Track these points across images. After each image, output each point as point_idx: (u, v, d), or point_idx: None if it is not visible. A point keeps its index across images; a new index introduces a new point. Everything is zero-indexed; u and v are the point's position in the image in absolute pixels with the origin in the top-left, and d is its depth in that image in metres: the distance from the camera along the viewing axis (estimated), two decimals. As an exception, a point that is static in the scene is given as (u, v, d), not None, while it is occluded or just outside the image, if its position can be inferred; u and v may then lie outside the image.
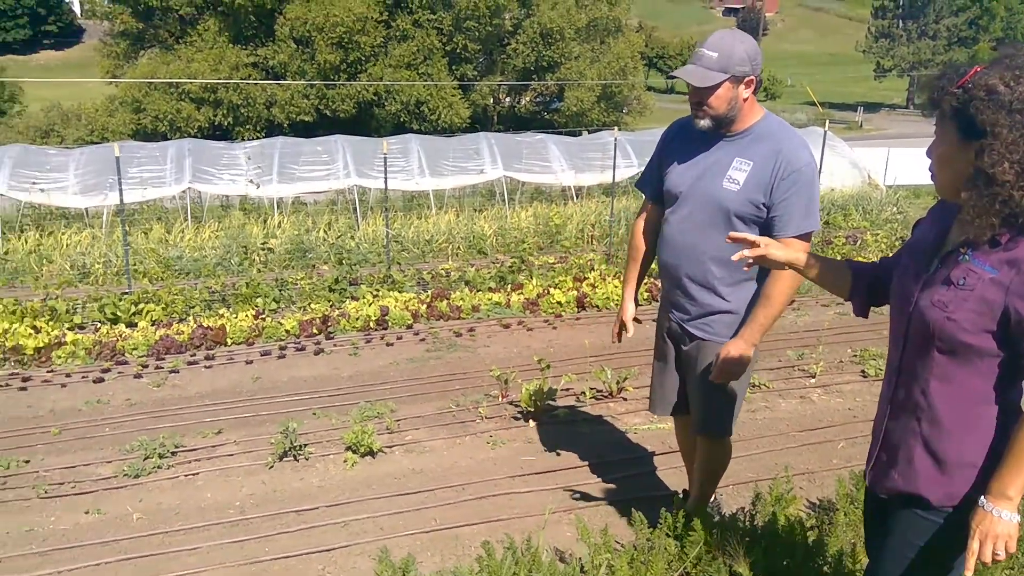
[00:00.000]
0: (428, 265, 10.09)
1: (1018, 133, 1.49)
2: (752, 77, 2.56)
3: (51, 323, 6.89)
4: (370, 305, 7.30)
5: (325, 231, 11.93)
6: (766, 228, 2.65)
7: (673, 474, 3.87)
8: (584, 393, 4.90)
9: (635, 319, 3.09)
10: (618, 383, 4.97)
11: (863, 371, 5.34)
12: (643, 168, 3.05)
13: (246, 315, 7.02)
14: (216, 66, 29.28)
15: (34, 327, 6.68)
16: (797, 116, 37.35)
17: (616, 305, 7.48)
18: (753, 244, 1.95)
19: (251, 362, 5.91)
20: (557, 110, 35.77)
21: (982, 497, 1.60)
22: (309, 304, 7.62)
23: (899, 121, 45.39)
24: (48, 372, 5.71)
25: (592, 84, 33.66)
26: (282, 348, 6.25)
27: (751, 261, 1.96)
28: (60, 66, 57.44)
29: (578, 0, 33.44)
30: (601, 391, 4.98)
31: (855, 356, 5.63)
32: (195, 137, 21.99)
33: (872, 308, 2.03)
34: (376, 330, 6.76)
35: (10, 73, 40.24)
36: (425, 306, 7.28)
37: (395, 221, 11.99)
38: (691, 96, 2.59)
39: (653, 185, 2.93)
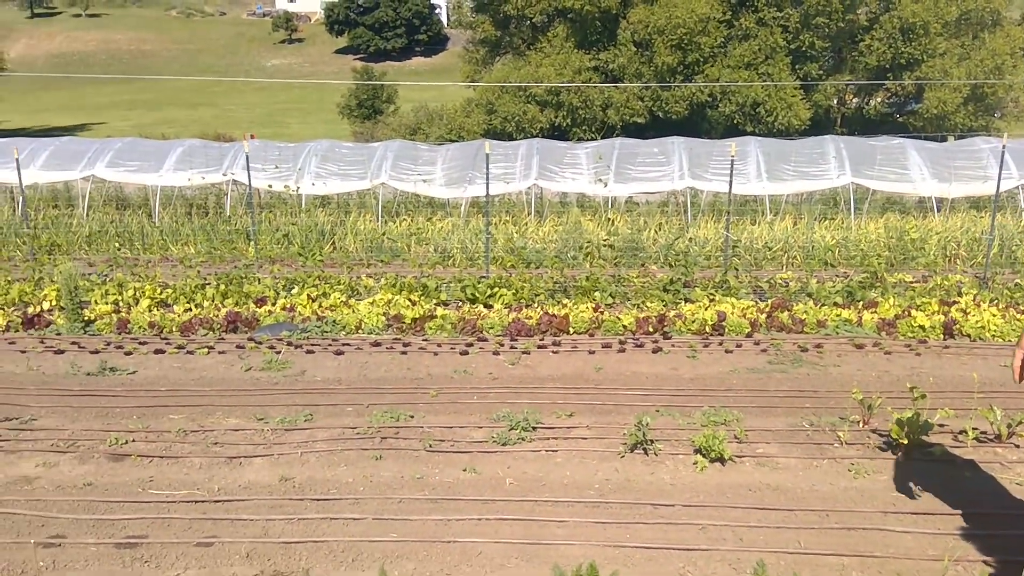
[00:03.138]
0: (763, 273, 9.70)
1: None
2: None
3: (423, 298, 7.82)
4: (706, 309, 7.19)
5: (656, 231, 12.05)
6: None
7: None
8: (964, 432, 4.32)
9: None
10: (1009, 427, 4.31)
11: None
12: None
13: (586, 307, 7.32)
14: (561, 70, 31.03)
15: (411, 300, 7.63)
16: None
17: (993, 336, 6.53)
18: None
19: (593, 352, 6.15)
20: (913, 112, 32.26)
21: None
22: (644, 302, 7.72)
23: None
24: (423, 340, 6.48)
25: (959, 84, 29.77)
26: (621, 342, 6.40)
27: None
28: (428, 71, 65.11)
29: (949, -11, 29.78)
30: (986, 433, 4.35)
31: None
32: (536, 137, 23.52)
33: None
34: (713, 335, 6.65)
35: (388, 77, 46.57)
36: (764, 315, 6.99)
37: (730, 225, 11.69)
38: None
39: None
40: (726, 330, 6.73)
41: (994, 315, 6.87)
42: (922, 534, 3.33)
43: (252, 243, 10.76)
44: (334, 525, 3.46)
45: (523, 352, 6.12)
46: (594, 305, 7.45)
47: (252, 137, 18.81)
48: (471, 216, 13.18)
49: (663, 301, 7.81)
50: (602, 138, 24.80)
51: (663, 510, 3.54)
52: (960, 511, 3.54)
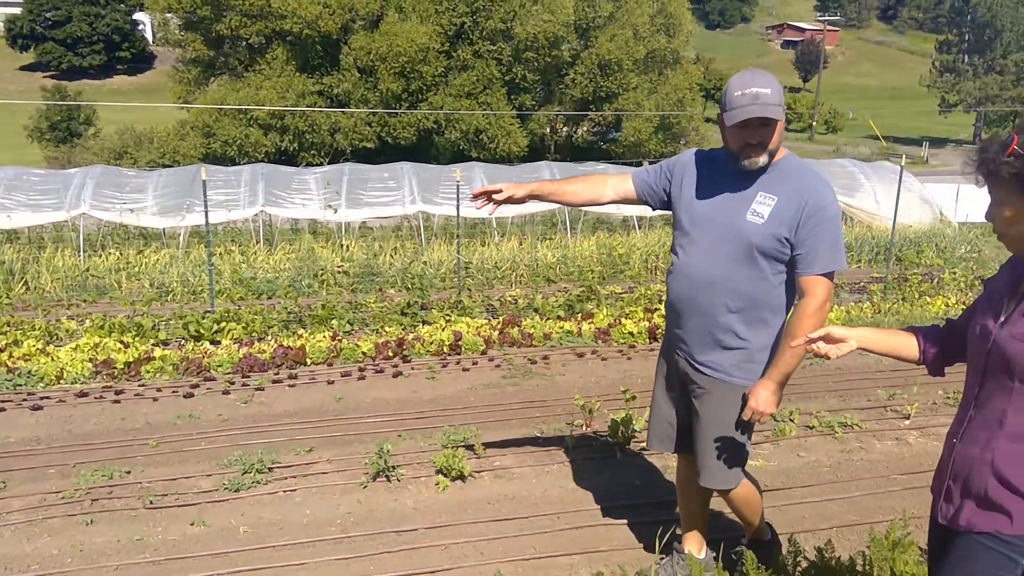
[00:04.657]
0: (494, 292, 10.17)
1: None
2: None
3: (138, 339, 7.12)
4: (443, 330, 7.37)
5: (391, 255, 12.13)
6: (790, 266, 2.62)
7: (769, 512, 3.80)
8: (670, 425, 4.85)
9: (508, 200, 2.91)
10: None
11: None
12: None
13: (323, 336, 7.15)
14: (283, 93, 30.18)
15: (122, 342, 6.91)
16: (860, 150, 36.79)
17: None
18: (816, 340, 2.07)
19: (332, 382, 6.01)
20: (614, 140, 35.89)
21: None
22: (382, 327, 7.73)
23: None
24: (139, 386, 5.89)
25: (650, 115, 33.71)
26: (361, 370, 6.34)
27: (827, 353, 2.05)
28: (133, 91, 59.82)
29: (636, 32, 33.64)
30: (687, 424, 4.92)
31: (948, 398, 5.47)
32: (261, 162, 22.62)
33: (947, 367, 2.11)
34: (450, 355, 6.82)
35: (85, 97, 42.04)
36: (497, 332, 7.33)
37: (461, 248, 12.11)
38: (749, 137, 2.53)
39: (647, 182, 2.86)
40: (463, 349, 6.93)
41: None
42: (639, 524, 3.67)
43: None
44: (35, 609, 3.00)
45: (256, 389, 5.81)
46: (332, 333, 7.30)
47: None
48: (192, 246, 12.28)
49: (402, 324, 7.87)
50: (331, 163, 24.50)
51: (407, 535, 3.55)
52: (671, 497, 3.95)
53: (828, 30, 65.28)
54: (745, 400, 2.64)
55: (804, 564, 2.82)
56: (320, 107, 30.56)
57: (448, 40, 32.35)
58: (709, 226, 2.67)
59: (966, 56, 52.83)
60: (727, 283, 2.64)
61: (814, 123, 52.66)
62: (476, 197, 2.97)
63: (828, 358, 2.05)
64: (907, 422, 5.03)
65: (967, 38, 53.13)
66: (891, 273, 10.58)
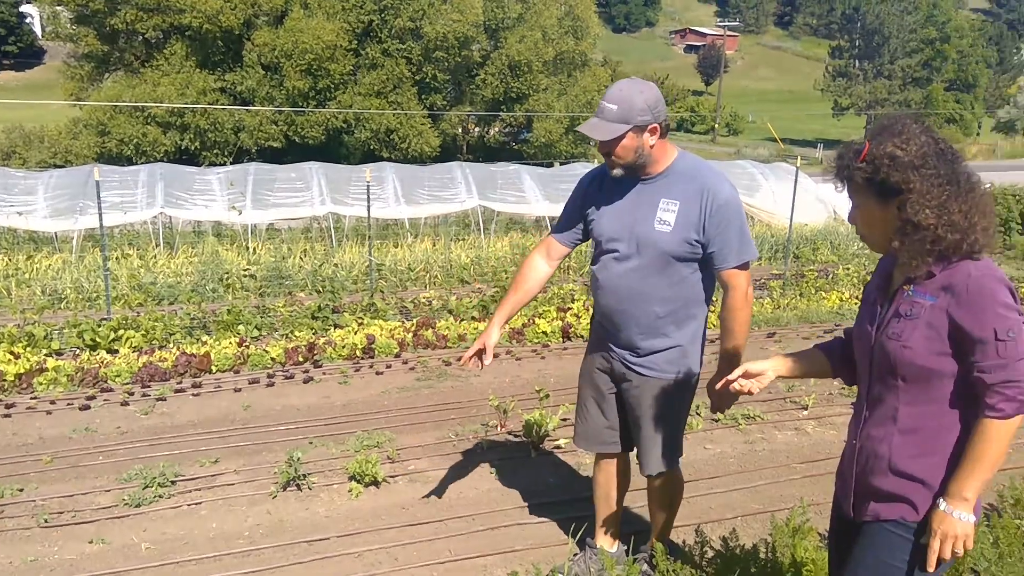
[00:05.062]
0: (408, 293, 10.08)
1: (928, 183, 1.76)
2: (655, 125, 2.62)
3: (29, 349, 6.73)
4: (356, 333, 7.26)
5: (301, 258, 11.87)
6: (704, 264, 2.74)
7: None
8: (583, 423, 4.93)
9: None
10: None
11: (853, 404, 5.46)
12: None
13: (229, 342, 6.93)
14: (183, 90, 29.06)
15: (12, 353, 6.51)
16: (759, 151, 38.28)
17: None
18: (736, 378, 2.11)
19: (239, 390, 5.84)
20: (526, 141, 36.16)
21: (941, 499, 1.78)
22: (292, 332, 7.55)
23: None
24: (31, 399, 5.57)
25: (560, 116, 34.12)
26: (270, 376, 6.18)
27: (749, 389, 2.09)
28: (20, 87, 56.45)
29: (545, 34, 33.99)
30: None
31: (842, 389, 5.76)
32: (161, 161, 21.72)
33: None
34: (363, 359, 6.73)
35: (-33, 92, 39.44)
36: (411, 335, 7.27)
37: (373, 249, 11.96)
38: (599, 147, 2.64)
39: (568, 231, 2.95)
40: (376, 352, 6.85)
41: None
42: (553, 522, 3.72)
43: None
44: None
45: (158, 399, 5.58)
46: (239, 339, 7.08)
47: None
48: (86, 251, 11.68)
49: (313, 329, 7.71)
50: (235, 162, 23.77)
51: (319, 545, 3.48)
52: (585, 494, 4.02)
53: (728, 35, 67.75)
54: (684, 396, 2.81)
55: (710, 553, 2.92)
56: (222, 105, 29.59)
57: (356, 38, 31.87)
58: (623, 240, 2.76)
59: (857, 61, 55.69)
60: (652, 292, 2.74)
61: (716, 126, 54.50)
62: (466, 362, 2.94)
63: (751, 393, 2.10)
64: (805, 412, 5.28)
65: (858, 44, 55.99)
66: (789, 270, 11.06)
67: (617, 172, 2.69)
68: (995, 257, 13.61)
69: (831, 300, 9.09)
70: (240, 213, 12.89)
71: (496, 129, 38.47)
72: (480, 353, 2.90)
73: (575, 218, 2.93)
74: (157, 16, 29.31)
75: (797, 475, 4.27)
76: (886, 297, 1.94)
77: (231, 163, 23.72)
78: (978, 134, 54.18)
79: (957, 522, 1.76)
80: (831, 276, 10.66)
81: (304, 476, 4.10)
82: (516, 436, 4.77)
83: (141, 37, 31.23)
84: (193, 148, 29.45)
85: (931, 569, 1.80)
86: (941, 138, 1.82)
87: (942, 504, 1.77)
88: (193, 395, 5.70)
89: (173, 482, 4.08)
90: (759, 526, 3.62)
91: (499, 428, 4.91)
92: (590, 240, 2.95)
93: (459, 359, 6.55)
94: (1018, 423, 1.71)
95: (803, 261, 12.42)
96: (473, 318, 8.23)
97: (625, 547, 3.27)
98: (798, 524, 3.00)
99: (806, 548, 2.91)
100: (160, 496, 3.93)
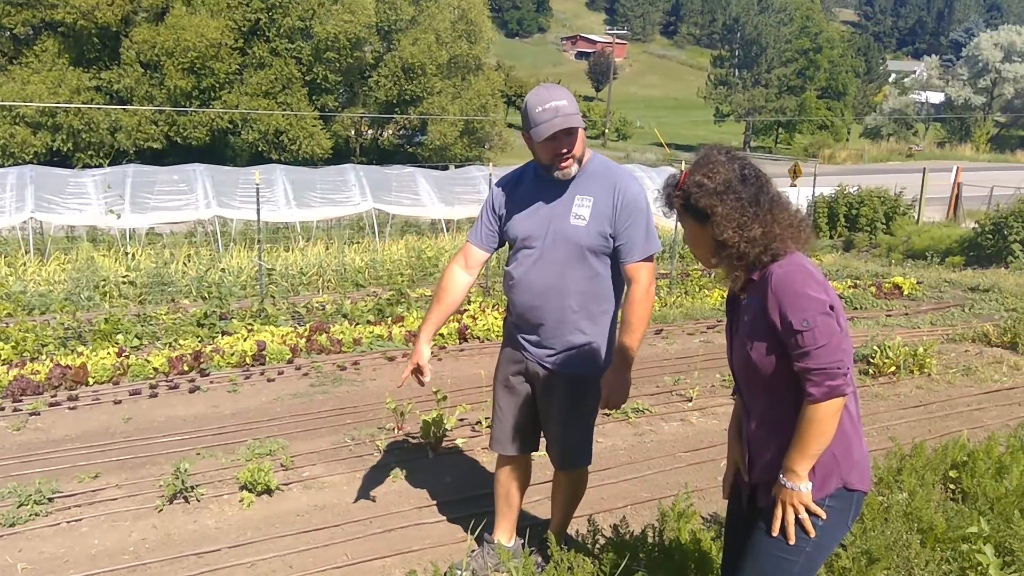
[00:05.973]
0: (301, 298, 9.87)
1: (728, 207, 1.98)
2: None
3: None
4: (245, 340, 7.06)
5: (185, 263, 11.41)
6: (614, 256, 2.88)
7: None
8: (480, 423, 4.99)
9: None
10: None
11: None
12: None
13: (108, 353, 6.61)
14: (55, 89, 27.40)
15: None
16: (647, 156, 39.50)
17: (497, 336, 7.64)
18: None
19: (120, 402, 5.58)
20: (420, 143, 36.02)
21: (780, 475, 2.01)
22: (176, 340, 7.27)
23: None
24: None
25: (454, 119, 34.18)
26: (153, 387, 5.93)
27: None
28: None
29: (439, 37, 33.99)
30: (495, 420, 5.07)
31: (724, 380, 6.05)
32: (31, 163, 20.37)
33: None
34: (254, 366, 6.56)
35: None
36: (304, 340, 7.13)
37: (263, 253, 11.64)
38: (558, 148, 2.73)
39: (483, 236, 3.01)
40: (267, 359, 6.68)
41: (496, 318, 8.04)
42: (452, 520, 3.75)
43: None
44: None
45: (31, 414, 5.26)
46: (118, 349, 6.76)
47: None
48: (-54, 259, 10.83)
49: (199, 336, 7.44)
50: (112, 164, 22.57)
51: (208, 557, 3.38)
52: (482, 491, 4.07)
53: (617, 43, 69.61)
54: (598, 391, 2.83)
55: (602, 541, 3.03)
56: (98, 104, 28.02)
57: (242, 36, 30.91)
58: (539, 238, 2.85)
59: (737, 70, 58.38)
60: (567, 287, 2.83)
61: (606, 131, 55.93)
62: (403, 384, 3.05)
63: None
64: (690, 404, 5.52)
65: (737, 54, 58.72)
66: (675, 269, 11.50)
67: (573, 170, 2.79)
68: (862, 255, 14.62)
69: (714, 297, 9.53)
70: (118, 217, 12.26)
71: (390, 132, 38.16)
72: (416, 371, 2.96)
73: (492, 222, 3.00)
74: (27, 11, 27.53)
75: (683, 463, 4.47)
76: (735, 310, 2.17)
77: (107, 165, 22.49)
78: (847, 139, 57.80)
79: (791, 492, 1.98)
80: (714, 275, 11.16)
81: (192, 488, 3.97)
82: (414, 438, 4.77)
83: (9, 32, 29.22)
84: (66, 149, 27.79)
85: (775, 532, 2.02)
86: (748, 164, 2.05)
87: (781, 478, 2.00)
88: (69, 408, 5.40)
89: (50, 499, 3.86)
90: (648, 513, 3.77)
91: (396, 431, 4.89)
92: (506, 245, 3.02)
93: (355, 363, 6.54)
94: (837, 404, 1.92)
95: (688, 261, 12.93)
96: (369, 322, 8.15)
97: (522, 540, 3.34)
98: (683, 509, 3.15)
99: (690, 531, 3.07)
100: (36, 514, 3.71)
